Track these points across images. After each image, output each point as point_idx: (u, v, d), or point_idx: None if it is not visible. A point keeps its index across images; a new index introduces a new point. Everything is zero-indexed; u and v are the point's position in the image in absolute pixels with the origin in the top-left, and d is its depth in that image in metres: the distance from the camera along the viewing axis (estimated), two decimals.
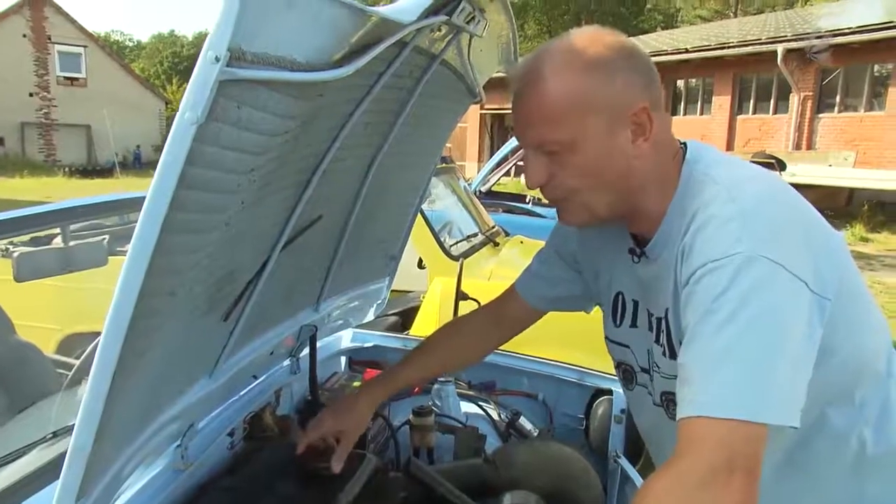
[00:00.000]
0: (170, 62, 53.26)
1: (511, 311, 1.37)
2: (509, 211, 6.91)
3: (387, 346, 2.10)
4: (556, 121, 0.94)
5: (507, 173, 8.27)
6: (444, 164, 4.53)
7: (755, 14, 24.63)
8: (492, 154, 11.77)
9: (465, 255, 3.90)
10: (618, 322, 1.17)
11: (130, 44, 64.65)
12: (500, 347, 1.49)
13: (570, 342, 2.36)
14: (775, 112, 14.99)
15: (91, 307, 2.84)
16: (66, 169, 22.91)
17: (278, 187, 1.01)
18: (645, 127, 0.96)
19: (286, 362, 1.69)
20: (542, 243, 1.36)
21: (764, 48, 14.03)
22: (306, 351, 1.66)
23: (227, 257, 0.98)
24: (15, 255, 2.25)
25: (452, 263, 3.67)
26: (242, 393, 1.48)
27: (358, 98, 1.08)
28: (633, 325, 1.13)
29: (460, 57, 1.34)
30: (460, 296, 2.53)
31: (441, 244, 3.94)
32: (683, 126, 16.06)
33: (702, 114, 16.58)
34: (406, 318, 3.45)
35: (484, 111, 20.64)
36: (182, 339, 0.99)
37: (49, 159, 25.75)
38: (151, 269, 0.69)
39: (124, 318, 0.70)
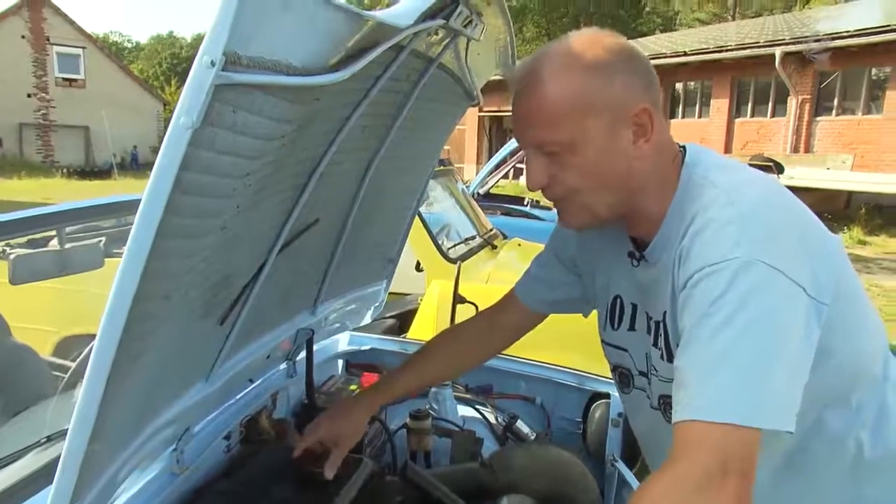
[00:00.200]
0: (168, 63, 53.31)
1: (509, 317, 1.37)
2: (507, 213, 6.91)
3: (384, 350, 2.10)
4: (555, 122, 0.94)
5: (506, 176, 8.28)
6: (441, 167, 4.52)
7: (753, 17, 24.66)
8: (490, 156, 11.77)
9: (463, 257, 3.91)
10: (615, 325, 1.17)
11: (129, 45, 64.75)
12: None
13: (568, 345, 2.36)
14: (773, 115, 15.02)
15: (88, 309, 2.83)
16: (65, 170, 22.95)
17: (274, 191, 1.01)
18: (646, 128, 0.96)
19: (283, 366, 1.69)
20: (541, 246, 1.36)
21: (762, 51, 14.05)
22: (303, 354, 1.65)
23: (222, 261, 0.98)
24: (11, 257, 2.24)
25: (450, 266, 3.66)
26: (239, 396, 1.48)
27: (355, 102, 1.08)
28: (632, 328, 1.13)
29: (458, 60, 1.33)
30: (458, 299, 2.53)
31: (439, 247, 3.93)
32: (682, 129, 16.10)
33: (700, 117, 16.60)
34: (403, 321, 3.45)
35: (482, 113, 20.68)
36: (178, 343, 0.99)
37: (47, 160, 25.76)
38: (146, 273, 0.69)
39: (119, 321, 0.69)
